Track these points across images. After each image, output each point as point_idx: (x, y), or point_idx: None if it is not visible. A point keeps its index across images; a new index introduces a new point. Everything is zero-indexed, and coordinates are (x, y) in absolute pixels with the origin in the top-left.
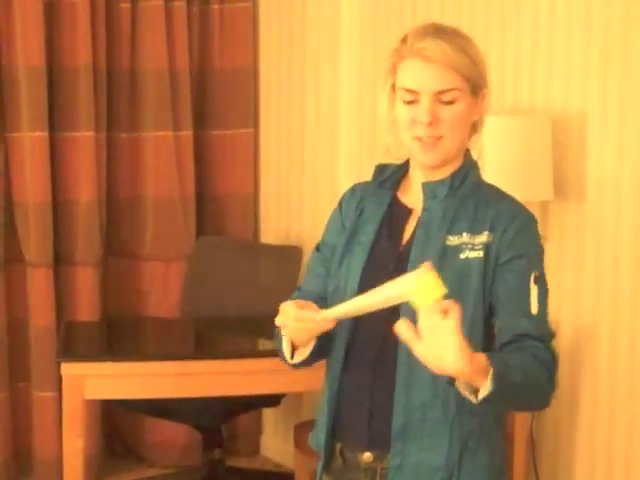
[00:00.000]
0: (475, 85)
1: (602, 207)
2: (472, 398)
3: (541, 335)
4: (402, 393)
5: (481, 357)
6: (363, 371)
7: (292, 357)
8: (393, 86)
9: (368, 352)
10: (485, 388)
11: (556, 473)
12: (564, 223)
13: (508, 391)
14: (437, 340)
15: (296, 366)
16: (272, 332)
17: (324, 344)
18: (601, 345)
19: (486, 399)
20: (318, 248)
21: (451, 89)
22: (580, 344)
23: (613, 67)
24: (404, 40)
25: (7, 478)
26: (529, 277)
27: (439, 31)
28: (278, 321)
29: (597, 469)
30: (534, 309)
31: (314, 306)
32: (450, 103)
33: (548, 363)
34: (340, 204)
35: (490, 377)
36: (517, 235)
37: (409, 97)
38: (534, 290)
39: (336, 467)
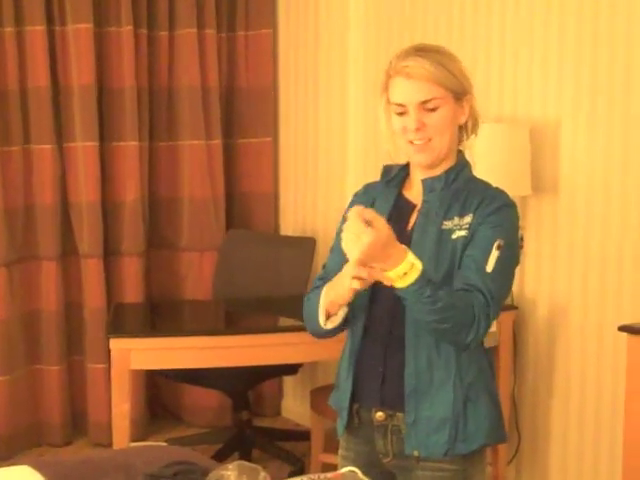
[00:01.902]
0: (457, 93)
1: (574, 201)
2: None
3: (486, 291)
4: (411, 358)
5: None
6: (378, 342)
7: (325, 323)
8: (388, 101)
9: (382, 327)
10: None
11: (535, 429)
12: (540, 215)
13: (425, 295)
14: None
15: (325, 333)
16: (303, 301)
17: (349, 317)
18: (573, 321)
19: (410, 289)
20: (332, 249)
21: (432, 98)
22: (555, 320)
23: (584, 82)
24: (391, 62)
25: (65, 438)
26: (493, 242)
27: (419, 50)
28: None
29: (570, 425)
30: (489, 268)
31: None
32: (434, 110)
33: (478, 308)
34: (353, 201)
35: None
36: (494, 212)
37: (399, 109)
38: (494, 254)
39: (353, 425)
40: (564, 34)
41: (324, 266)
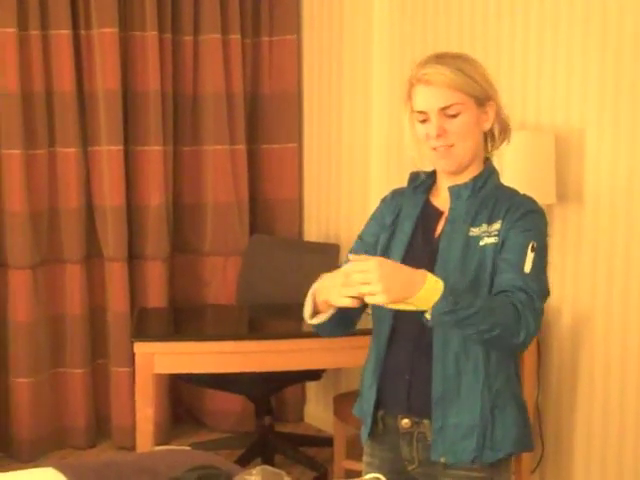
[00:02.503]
0: (479, 99)
1: (598, 209)
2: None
3: (529, 289)
4: (439, 364)
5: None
6: (404, 348)
7: (311, 318)
8: (411, 109)
9: (409, 332)
10: (435, 302)
11: (559, 437)
12: (565, 223)
13: (462, 309)
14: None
15: (315, 328)
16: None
17: (343, 319)
18: (597, 328)
19: (440, 313)
20: (360, 237)
21: (452, 104)
22: (579, 328)
23: (608, 89)
24: (412, 70)
25: (89, 441)
26: (527, 245)
27: (438, 58)
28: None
29: (594, 433)
30: (527, 269)
31: None
32: (455, 116)
33: (522, 305)
34: (380, 206)
35: (441, 294)
36: (523, 216)
37: (421, 117)
38: (530, 256)
39: (377, 432)
40: (588, 41)
41: (360, 236)
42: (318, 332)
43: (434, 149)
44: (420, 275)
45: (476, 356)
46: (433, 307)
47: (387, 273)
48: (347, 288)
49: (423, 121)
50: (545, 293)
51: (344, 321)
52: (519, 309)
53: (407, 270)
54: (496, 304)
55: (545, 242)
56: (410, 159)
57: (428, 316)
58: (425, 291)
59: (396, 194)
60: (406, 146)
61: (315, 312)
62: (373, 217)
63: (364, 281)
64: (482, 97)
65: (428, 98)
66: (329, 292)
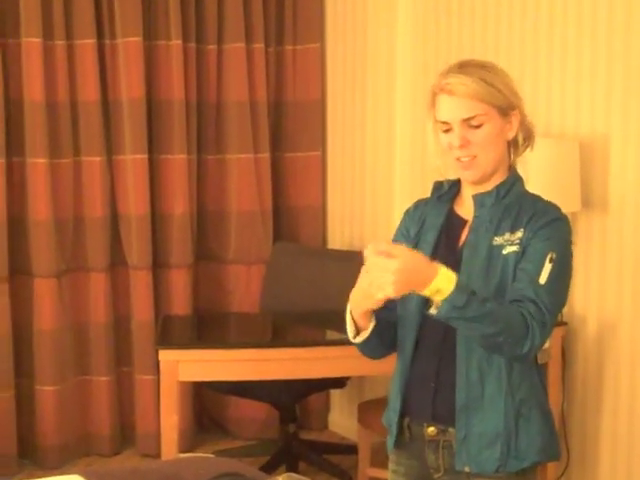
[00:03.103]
0: (502, 108)
1: (623, 217)
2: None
3: (539, 301)
4: (462, 373)
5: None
6: (429, 357)
7: (354, 337)
8: (435, 118)
9: (433, 341)
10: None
11: (584, 446)
12: (590, 231)
13: (473, 308)
14: (376, 273)
15: (361, 348)
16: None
17: (384, 330)
18: (622, 336)
19: (452, 306)
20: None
21: (475, 115)
22: (604, 336)
23: (632, 96)
24: (436, 79)
25: (113, 448)
26: (546, 255)
27: (461, 67)
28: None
29: (619, 442)
30: (542, 280)
31: None
32: (478, 127)
33: (530, 317)
34: (404, 219)
35: (454, 285)
36: (545, 225)
37: (444, 127)
38: (547, 267)
39: (403, 440)
40: (612, 48)
41: None
42: (365, 352)
43: (457, 159)
44: (432, 269)
45: (499, 365)
46: (447, 299)
47: (407, 272)
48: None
49: (446, 131)
50: (558, 307)
51: (386, 334)
52: (527, 320)
53: (427, 265)
54: (506, 311)
55: (567, 251)
56: (434, 167)
57: (434, 310)
58: (440, 280)
59: (419, 204)
60: (430, 154)
61: (358, 331)
62: (398, 232)
63: (382, 280)
64: (506, 107)
65: (451, 109)
66: (360, 300)
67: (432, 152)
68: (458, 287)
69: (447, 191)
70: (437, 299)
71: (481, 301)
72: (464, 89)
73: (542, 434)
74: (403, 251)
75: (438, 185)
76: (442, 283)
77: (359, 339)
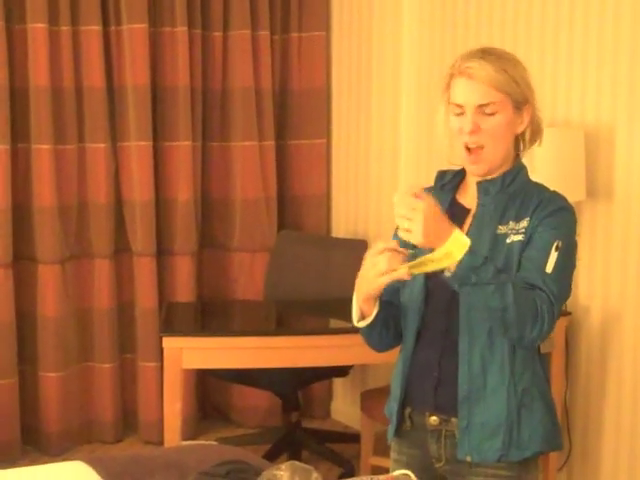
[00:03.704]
0: (517, 101)
1: (628, 206)
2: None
3: (548, 290)
4: (465, 363)
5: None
6: (432, 346)
7: (358, 322)
8: (448, 101)
9: (436, 331)
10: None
11: (587, 436)
12: (595, 220)
13: (486, 273)
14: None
15: (366, 336)
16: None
17: (388, 318)
18: (626, 326)
19: (467, 267)
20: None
21: (491, 103)
22: (608, 326)
23: (638, 86)
24: (455, 61)
25: (116, 435)
26: (552, 244)
27: (484, 53)
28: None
29: (622, 432)
30: (549, 269)
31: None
32: (491, 115)
33: (541, 302)
34: None
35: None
36: (550, 214)
37: (457, 110)
38: (553, 255)
39: (405, 429)
40: (618, 37)
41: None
42: (370, 342)
43: (466, 146)
44: (450, 225)
45: (502, 355)
46: (463, 259)
47: (431, 218)
48: (377, 265)
49: (458, 114)
50: (564, 296)
51: (391, 322)
52: (537, 304)
53: (446, 221)
54: (519, 288)
55: (573, 241)
56: (441, 152)
57: (448, 272)
58: (452, 242)
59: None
60: (438, 137)
61: (362, 317)
62: None
63: (408, 217)
64: (520, 100)
65: (468, 92)
66: (363, 286)
67: (440, 136)
68: (472, 250)
69: (450, 180)
70: (448, 263)
71: (496, 269)
72: (484, 75)
73: (544, 424)
74: (430, 199)
75: (441, 174)
76: (454, 246)
77: (363, 323)
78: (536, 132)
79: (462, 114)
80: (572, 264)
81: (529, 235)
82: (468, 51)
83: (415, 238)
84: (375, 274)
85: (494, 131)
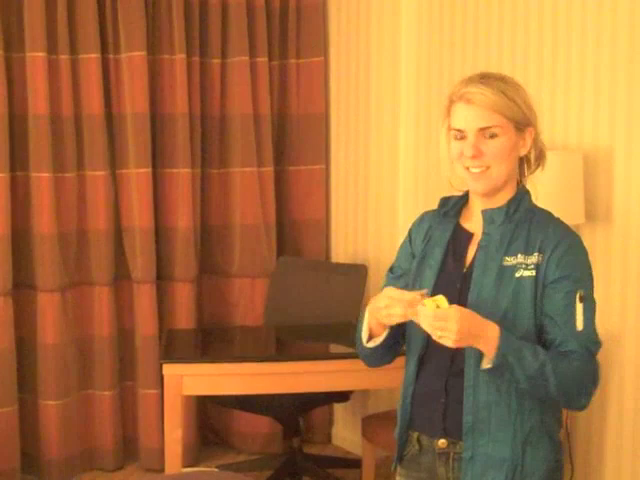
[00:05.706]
0: (518, 123)
1: (627, 229)
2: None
3: (585, 350)
4: (470, 394)
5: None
6: (438, 372)
7: (367, 342)
8: (449, 127)
9: (440, 362)
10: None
11: (588, 458)
12: (594, 243)
13: (515, 363)
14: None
15: (368, 355)
16: (356, 327)
17: (395, 341)
18: (627, 349)
19: (495, 366)
20: (392, 269)
21: (492, 126)
22: (609, 348)
23: (636, 108)
24: (454, 87)
25: (117, 462)
26: (575, 296)
27: (482, 78)
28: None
29: (624, 456)
30: (579, 325)
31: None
32: (492, 138)
33: (588, 366)
34: (410, 233)
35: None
36: (563, 257)
37: (458, 135)
38: (579, 308)
39: (412, 453)
40: (615, 59)
41: (391, 269)
42: (369, 361)
43: (467, 169)
44: (492, 329)
45: (508, 392)
46: (499, 346)
47: (465, 324)
48: (392, 308)
49: (460, 139)
50: (599, 343)
51: (394, 345)
52: (580, 375)
53: (480, 321)
54: (559, 367)
55: (591, 277)
56: (444, 178)
57: (487, 363)
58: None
59: (426, 218)
60: (441, 162)
61: (370, 337)
62: (402, 248)
63: (443, 328)
64: (522, 122)
65: (468, 117)
66: (374, 312)
67: (443, 161)
68: (503, 333)
69: (452, 206)
70: (482, 347)
71: (533, 350)
72: (483, 99)
73: (548, 462)
74: (458, 309)
75: (445, 200)
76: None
77: (371, 344)
78: (540, 156)
79: (463, 138)
80: (595, 304)
81: (542, 274)
82: (467, 77)
83: (449, 343)
84: (387, 314)
85: (496, 153)
